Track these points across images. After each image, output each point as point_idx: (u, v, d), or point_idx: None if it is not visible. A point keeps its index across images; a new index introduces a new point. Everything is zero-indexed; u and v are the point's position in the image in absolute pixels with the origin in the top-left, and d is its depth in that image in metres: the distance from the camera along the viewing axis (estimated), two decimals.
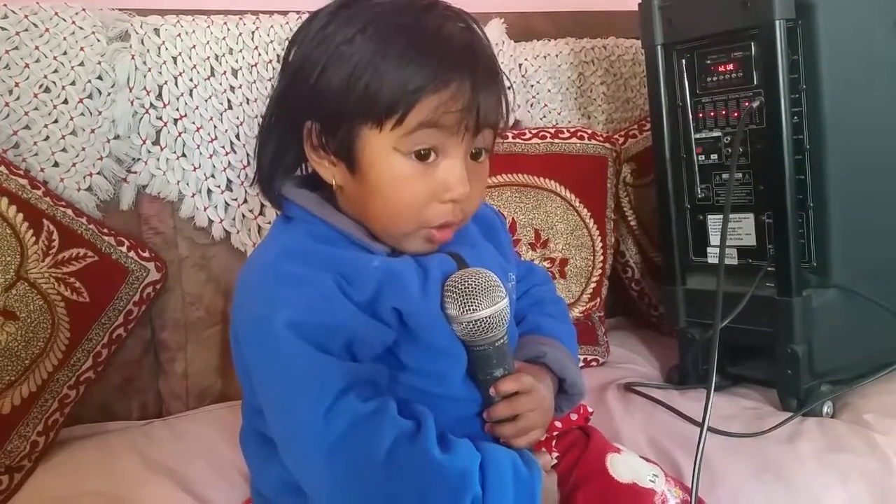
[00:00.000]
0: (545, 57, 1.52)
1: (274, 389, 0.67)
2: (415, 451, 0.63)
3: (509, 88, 0.72)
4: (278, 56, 1.21)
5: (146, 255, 1.10)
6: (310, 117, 0.70)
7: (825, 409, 1.05)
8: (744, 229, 1.13)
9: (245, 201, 1.20)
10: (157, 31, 1.15)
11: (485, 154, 0.72)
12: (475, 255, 0.75)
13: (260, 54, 1.21)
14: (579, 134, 1.40)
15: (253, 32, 1.21)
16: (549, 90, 1.52)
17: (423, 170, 0.68)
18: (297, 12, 1.25)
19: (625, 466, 0.80)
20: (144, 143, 1.14)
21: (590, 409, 0.88)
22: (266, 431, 0.74)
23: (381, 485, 0.63)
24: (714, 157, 1.15)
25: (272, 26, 1.23)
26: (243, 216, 1.20)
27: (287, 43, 0.73)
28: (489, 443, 0.69)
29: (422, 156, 0.68)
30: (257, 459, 0.78)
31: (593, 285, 1.35)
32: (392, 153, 0.67)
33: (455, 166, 0.68)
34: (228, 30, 1.20)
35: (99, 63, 1.10)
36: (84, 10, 1.11)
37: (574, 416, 0.85)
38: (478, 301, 0.68)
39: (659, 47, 1.17)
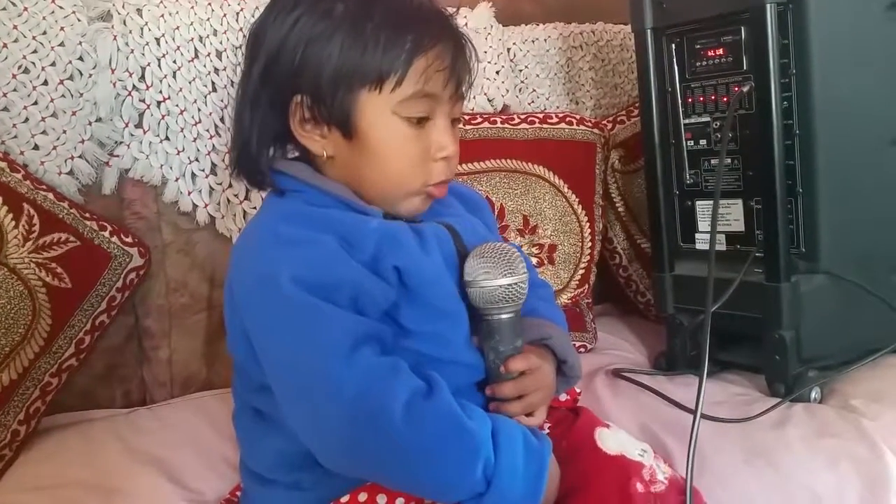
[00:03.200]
0: (533, 41, 1.51)
1: (283, 347, 0.67)
2: (432, 406, 0.64)
3: (478, 62, 0.77)
4: None
5: (129, 240, 1.08)
6: (298, 92, 0.72)
7: (813, 395, 1.06)
8: (732, 215, 1.13)
9: (230, 185, 1.18)
10: (139, 11, 1.12)
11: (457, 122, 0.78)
12: (464, 226, 0.77)
13: (244, 36, 1.18)
14: (568, 119, 1.39)
15: (237, 14, 1.19)
16: (538, 75, 1.51)
17: (417, 132, 0.73)
18: None
19: (613, 440, 0.80)
20: (127, 125, 1.11)
21: (577, 391, 0.88)
22: (262, 407, 0.74)
23: (399, 439, 0.63)
24: (703, 142, 1.15)
25: (257, 7, 1.20)
26: (228, 201, 1.18)
27: (254, 25, 0.75)
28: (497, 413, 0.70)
29: (419, 120, 0.72)
30: (252, 436, 0.77)
31: (581, 271, 1.35)
32: (391, 116, 0.71)
33: (444, 127, 0.74)
34: (212, 11, 1.17)
35: (80, 44, 1.08)
36: None
37: (564, 397, 0.85)
38: (511, 267, 0.71)
39: (649, 31, 1.16)
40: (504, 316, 0.72)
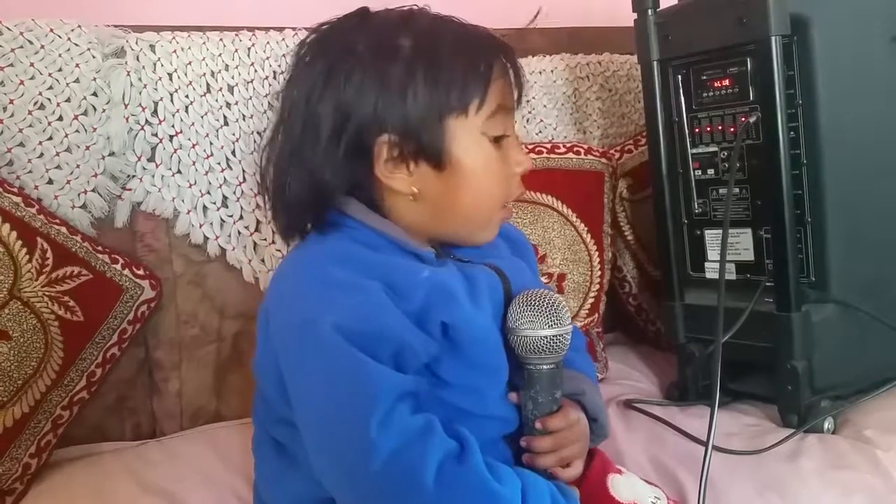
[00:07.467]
0: (541, 73, 1.52)
1: (317, 395, 0.65)
2: (463, 471, 0.63)
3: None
4: (275, 72, 1.20)
5: (141, 272, 1.09)
6: (383, 132, 0.70)
7: (826, 426, 1.05)
8: (742, 244, 1.13)
9: (241, 218, 1.19)
10: (152, 47, 1.14)
11: None
12: (512, 268, 0.77)
13: (256, 70, 1.20)
14: (575, 149, 1.40)
15: (249, 49, 1.21)
16: (545, 105, 1.52)
17: (499, 151, 0.74)
18: (294, 28, 1.25)
19: (626, 487, 0.79)
20: (139, 159, 1.13)
21: None
22: (283, 440, 0.73)
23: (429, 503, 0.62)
24: (711, 172, 1.15)
25: (268, 42, 1.22)
26: (239, 233, 1.19)
27: (312, 99, 0.72)
28: (525, 469, 0.69)
29: (497, 139, 0.74)
30: (270, 471, 0.76)
31: (591, 300, 1.35)
32: (481, 137, 0.73)
33: (518, 143, 0.76)
34: (224, 46, 1.19)
35: (94, 80, 1.09)
36: (79, 26, 1.11)
37: None
38: (556, 317, 0.70)
39: (655, 63, 1.17)
40: (545, 367, 0.70)
